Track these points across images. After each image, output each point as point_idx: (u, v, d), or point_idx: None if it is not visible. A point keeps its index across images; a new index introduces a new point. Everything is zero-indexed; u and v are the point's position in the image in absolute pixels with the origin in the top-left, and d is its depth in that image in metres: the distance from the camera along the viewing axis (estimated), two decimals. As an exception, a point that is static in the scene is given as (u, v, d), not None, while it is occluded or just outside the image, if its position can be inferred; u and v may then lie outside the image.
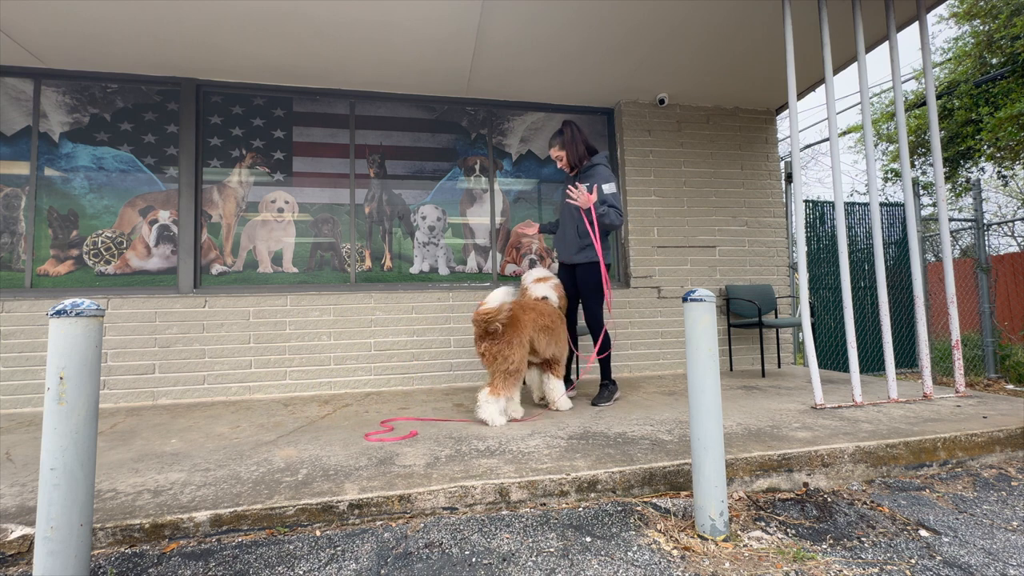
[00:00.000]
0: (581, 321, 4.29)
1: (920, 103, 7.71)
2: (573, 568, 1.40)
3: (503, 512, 1.75)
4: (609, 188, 2.98)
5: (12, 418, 3.14)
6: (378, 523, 1.66)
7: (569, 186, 3.03)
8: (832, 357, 5.18)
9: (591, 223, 3.00)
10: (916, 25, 5.39)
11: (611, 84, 4.26)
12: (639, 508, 1.76)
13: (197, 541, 1.55)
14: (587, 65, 3.95)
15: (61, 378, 1.24)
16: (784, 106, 4.83)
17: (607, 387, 3.11)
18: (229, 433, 2.59)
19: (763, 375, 4.15)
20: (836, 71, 4.14)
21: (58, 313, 1.26)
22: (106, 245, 3.75)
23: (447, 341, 4.06)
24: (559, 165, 3.19)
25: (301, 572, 1.39)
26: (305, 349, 3.81)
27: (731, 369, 4.56)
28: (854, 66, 5.74)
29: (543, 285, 3.03)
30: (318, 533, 1.60)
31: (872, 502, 1.85)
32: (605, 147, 4.69)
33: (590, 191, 3.00)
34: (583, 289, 3.06)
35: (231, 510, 1.60)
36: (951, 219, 5.35)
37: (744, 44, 3.73)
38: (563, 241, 3.17)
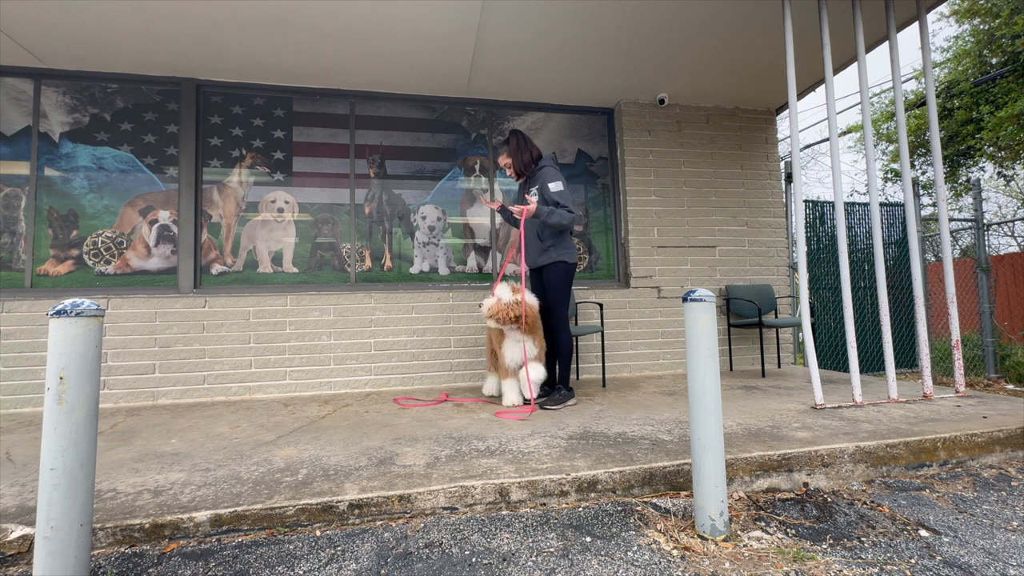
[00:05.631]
0: (584, 321, 4.29)
1: (920, 103, 7.71)
2: (573, 568, 1.40)
3: (503, 512, 1.75)
4: (555, 187, 3.02)
5: (12, 418, 3.14)
6: (378, 523, 1.66)
7: (513, 207, 3.10)
8: (832, 357, 5.17)
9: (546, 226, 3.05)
10: (916, 25, 5.39)
11: (611, 84, 4.26)
12: (639, 508, 1.76)
13: (197, 541, 1.55)
14: (587, 64, 3.94)
15: (61, 378, 1.24)
16: (784, 106, 4.83)
17: (559, 391, 3.08)
18: (229, 433, 2.59)
19: (763, 375, 4.15)
20: (836, 71, 4.14)
21: (58, 313, 1.26)
22: (106, 245, 3.75)
23: (447, 341, 4.06)
24: (508, 173, 3.26)
25: (301, 572, 1.39)
26: (305, 349, 3.81)
27: (731, 369, 4.56)
28: (854, 66, 5.74)
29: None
30: (318, 533, 1.60)
31: (872, 502, 1.85)
32: (605, 147, 4.69)
33: (538, 194, 3.09)
34: (550, 290, 3.10)
35: (231, 510, 1.60)
36: (951, 219, 5.35)
37: (744, 44, 3.73)
38: (527, 247, 3.24)
